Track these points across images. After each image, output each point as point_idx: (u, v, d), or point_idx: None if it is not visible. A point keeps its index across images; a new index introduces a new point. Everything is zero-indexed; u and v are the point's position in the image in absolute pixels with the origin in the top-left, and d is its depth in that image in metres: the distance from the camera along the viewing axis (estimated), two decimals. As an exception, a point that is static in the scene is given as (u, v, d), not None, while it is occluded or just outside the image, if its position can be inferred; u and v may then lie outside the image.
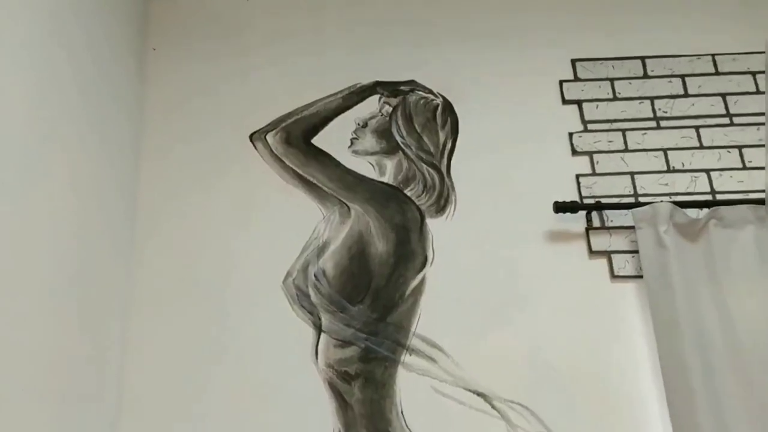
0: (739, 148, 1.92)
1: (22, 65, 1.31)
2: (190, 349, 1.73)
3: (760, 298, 1.68)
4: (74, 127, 1.53)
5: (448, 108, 1.99)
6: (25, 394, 1.27)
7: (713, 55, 2.03)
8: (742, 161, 1.90)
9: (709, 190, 1.87)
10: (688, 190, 1.87)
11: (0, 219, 1.19)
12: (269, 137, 1.94)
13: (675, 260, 1.70)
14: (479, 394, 1.68)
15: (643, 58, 2.04)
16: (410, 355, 1.72)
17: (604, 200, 1.85)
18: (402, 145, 1.93)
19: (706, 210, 1.78)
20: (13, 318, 1.23)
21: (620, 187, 1.88)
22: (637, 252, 1.76)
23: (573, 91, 2.00)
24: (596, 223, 1.84)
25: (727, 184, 1.87)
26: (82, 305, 1.53)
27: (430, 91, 2.00)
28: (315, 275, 1.79)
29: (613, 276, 1.79)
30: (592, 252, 1.81)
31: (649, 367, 1.68)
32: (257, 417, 1.67)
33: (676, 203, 1.78)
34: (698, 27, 2.08)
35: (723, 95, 1.98)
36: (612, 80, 2.01)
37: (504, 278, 1.80)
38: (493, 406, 1.67)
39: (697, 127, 1.94)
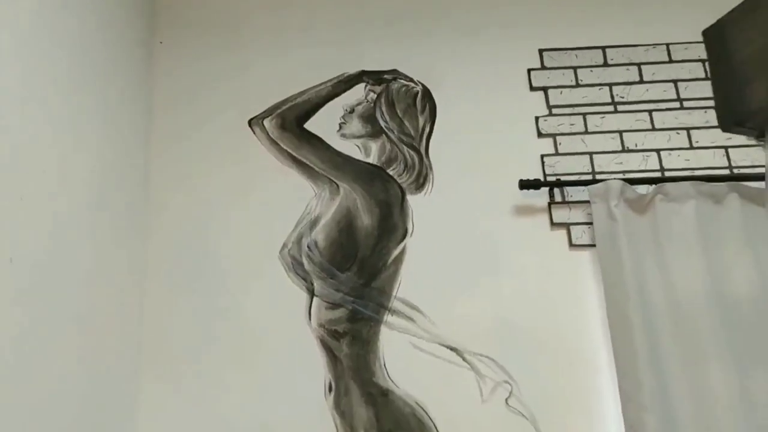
0: (687, 129, 2.14)
1: (41, 57, 1.52)
2: (201, 312, 1.97)
3: (697, 263, 1.91)
4: (90, 115, 1.74)
5: (427, 95, 2.20)
6: (67, 351, 1.51)
7: (667, 45, 2.24)
8: (690, 142, 2.12)
9: (658, 168, 2.10)
10: (640, 168, 2.09)
11: (28, 199, 1.42)
12: (266, 122, 2.16)
13: (623, 231, 1.93)
14: (452, 349, 1.92)
15: (603, 48, 2.24)
16: (392, 315, 1.96)
17: (564, 178, 2.07)
18: (385, 129, 2.15)
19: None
20: (52, 285, 1.46)
21: (580, 165, 2.10)
22: (592, 224, 1.99)
23: (539, 79, 2.22)
24: (557, 198, 2.07)
25: (675, 162, 2.10)
26: (106, 275, 1.76)
27: (411, 80, 2.21)
28: (308, 246, 2.02)
29: (571, 245, 2.03)
30: (553, 224, 2.05)
31: (599, 324, 1.92)
32: (258, 370, 1.92)
33: (628, 180, 2.01)
34: (655, 18, 2.28)
35: (675, 81, 2.19)
36: (575, 68, 2.22)
37: (475, 247, 2.03)
38: (464, 359, 1.92)
39: (650, 111, 2.16)
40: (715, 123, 1.17)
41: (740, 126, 0.90)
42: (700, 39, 2.18)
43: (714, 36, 0.97)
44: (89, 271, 1.67)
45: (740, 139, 2.06)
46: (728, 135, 2.07)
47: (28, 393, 1.33)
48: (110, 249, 1.81)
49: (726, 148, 2.12)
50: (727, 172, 2.09)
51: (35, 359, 1.37)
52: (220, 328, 1.95)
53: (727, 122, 0.92)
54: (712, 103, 2.17)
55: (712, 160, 2.11)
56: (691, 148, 2.12)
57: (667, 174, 2.08)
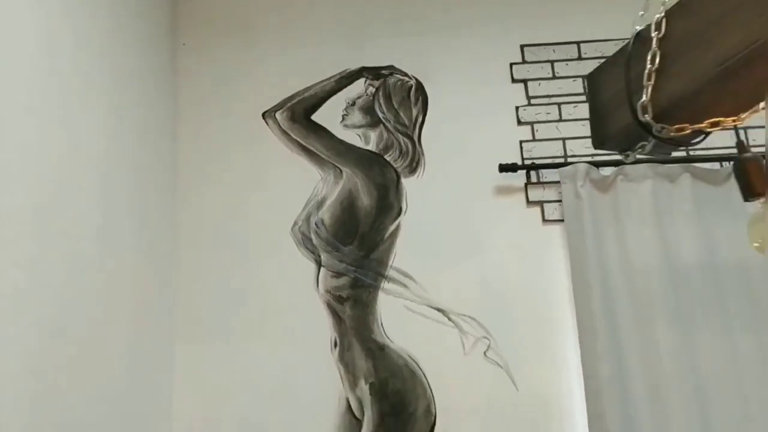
0: (650, 117, 2.40)
1: (79, 65, 1.84)
2: (225, 281, 2.31)
3: (651, 235, 2.21)
4: (123, 110, 2.06)
5: (420, 88, 2.49)
6: (119, 317, 1.86)
7: (635, 39, 2.49)
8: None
9: (623, 151, 2.37)
10: (606, 152, 2.37)
11: (83, 189, 1.75)
12: (278, 115, 2.47)
13: (588, 207, 2.23)
14: (439, 310, 2.26)
15: (578, 43, 2.50)
16: (388, 282, 2.29)
17: (539, 161, 2.37)
18: (383, 120, 2.45)
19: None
20: (106, 260, 1.80)
21: (554, 150, 2.39)
22: (561, 201, 2.29)
23: (520, 72, 2.49)
24: (533, 179, 2.36)
25: (637, 146, 2.37)
26: (145, 253, 2.10)
27: (406, 75, 2.50)
28: (315, 223, 2.35)
29: (544, 220, 2.33)
30: (529, 202, 2.35)
31: (565, 288, 2.23)
32: (275, 330, 2.27)
33: (596, 163, 2.30)
34: (624, 14, 2.53)
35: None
36: (552, 62, 2.49)
37: (460, 223, 2.34)
38: (449, 319, 2.25)
39: (617, 100, 2.43)
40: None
41: (603, 145, 1.20)
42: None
43: (591, 79, 1.26)
44: (132, 249, 2.01)
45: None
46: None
47: (92, 354, 1.69)
48: (147, 231, 2.15)
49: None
50: (683, 154, 2.36)
51: (96, 326, 1.72)
52: (242, 296, 2.30)
53: (596, 142, 1.22)
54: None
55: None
56: (653, 133, 2.39)
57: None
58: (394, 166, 2.40)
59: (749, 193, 1.34)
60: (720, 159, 2.33)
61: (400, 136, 2.43)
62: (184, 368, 2.25)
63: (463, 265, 2.31)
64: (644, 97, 1.00)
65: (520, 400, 2.18)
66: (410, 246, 2.32)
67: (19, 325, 1.36)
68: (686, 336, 2.12)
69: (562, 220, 2.29)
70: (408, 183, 2.38)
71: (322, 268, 2.31)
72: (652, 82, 0.99)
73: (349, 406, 2.20)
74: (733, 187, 2.26)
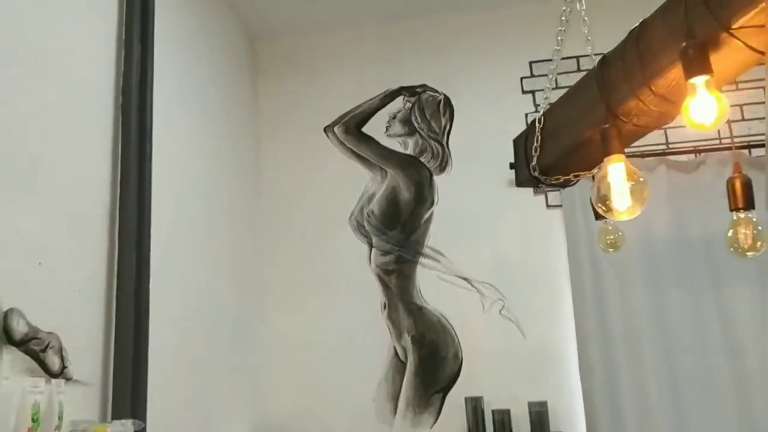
0: (636, 118, 2.94)
1: (181, 96, 2.56)
2: (300, 260, 3.04)
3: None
4: (219, 131, 2.78)
5: (448, 102, 3.10)
6: (226, 291, 2.60)
7: (625, 53, 3.02)
8: (637, 127, 2.93)
9: (612, 148, 2.93)
10: (598, 149, 2.93)
11: (196, 195, 2.48)
12: (335, 129, 3.14)
13: (579, 195, 2.81)
14: (464, 279, 2.91)
15: (577, 57, 3.05)
16: (424, 258, 2.95)
17: (543, 158, 2.95)
18: (418, 129, 3.08)
19: (605, 163, 2.86)
20: (217, 246, 2.54)
21: (555, 148, 2.97)
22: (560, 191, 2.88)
23: (529, 84, 3.07)
24: (539, 173, 2.96)
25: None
26: (241, 241, 2.84)
27: (436, 91, 3.11)
28: (367, 214, 3.02)
29: (548, 206, 2.93)
30: (535, 192, 2.95)
31: (563, 260, 2.83)
32: (338, 297, 2.98)
33: (589, 158, 2.87)
34: (617, 31, 3.05)
35: (629, 81, 2.99)
36: (555, 75, 3.05)
37: (480, 210, 2.97)
38: (472, 285, 2.90)
39: (609, 105, 2.98)
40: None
41: (521, 185, 1.81)
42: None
43: (514, 144, 1.87)
44: (233, 238, 2.75)
45: (678, 121, 2.88)
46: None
47: (210, 316, 2.44)
48: (240, 225, 2.88)
49: (664, 129, 2.92)
50: (663, 148, 2.90)
51: (213, 298, 2.47)
52: (313, 271, 3.02)
53: (516, 182, 1.84)
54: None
55: (654, 139, 2.91)
56: (638, 131, 2.93)
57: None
58: (428, 166, 3.04)
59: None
60: (692, 151, 2.85)
61: (432, 142, 3.06)
62: (272, 328, 3.00)
63: (483, 243, 2.94)
64: (534, 162, 1.62)
65: (527, 346, 2.82)
66: (441, 229, 2.98)
67: (174, 300, 2.10)
68: (658, 296, 2.70)
69: (561, 206, 2.88)
70: (438, 179, 3.02)
71: (373, 249, 3.00)
72: (537, 153, 1.61)
73: (396, 353, 2.89)
74: (701, 175, 2.82)
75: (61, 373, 1.50)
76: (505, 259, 2.91)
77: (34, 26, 1.57)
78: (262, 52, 3.31)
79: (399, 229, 2.99)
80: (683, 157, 2.88)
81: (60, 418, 1.34)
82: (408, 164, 3.05)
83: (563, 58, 3.03)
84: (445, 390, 2.83)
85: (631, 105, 1.40)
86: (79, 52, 1.76)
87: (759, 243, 1.55)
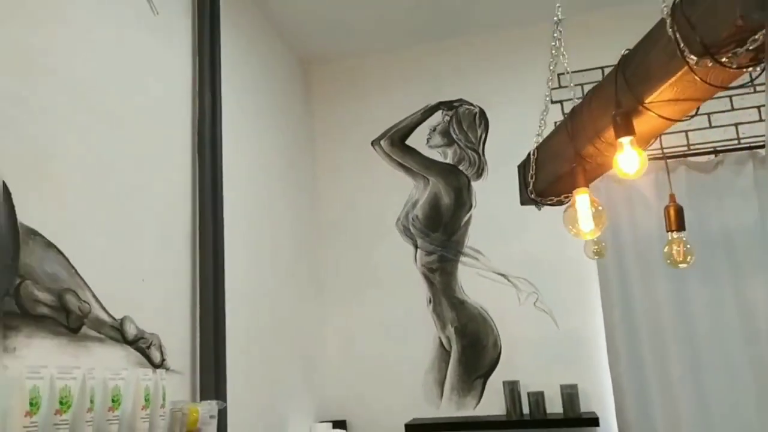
0: (658, 122, 3.18)
1: (246, 124, 2.94)
2: (355, 261, 3.40)
3: (654, 214, 3.02)
4: (280, 145, 3.17)
5: (483, 114, 3.40)
6: (287, 284, 2.99)
7: (647, 61, 3.25)
8: (659, 130, 3.17)
9: (636, 151, 3.18)
10: (623, 153, 3.18)
11: (266, 203, 2.87)
12: (382, 142, 3.48)
13: (605, 195, 3.07)
14: (501, 274, 3.21)
15: (602, 68, 3.30)
16: (464, 257, 3.27)
17: (572, 163, 3.22)
18: (456, 140, 3.40)
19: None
20: (284, 250, 2.93)
21: (583, 153, 3.23)
22: (587, 193, 3.14)
23: (557, 95, 3.33)
24: (568, 176, 3.23)
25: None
26: (303, 243, 3.22)
27: (472, 104, 3.42)
28: (412, 218, 3.36)
29: (577, 206, 3.20)
30: (538, 209, 3.21)
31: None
32: (389, 292, 3.33)
33: (614, 161, 3.12)
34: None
35: (651, 88, 3.22)
36: (582, 85, 3.31)
37: (514, 212, 3.23)
38: (508, 280, 3.20)
39: (632, 111, 3.22)
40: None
41: (524, 204, 2.10)
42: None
43: (519, 170, 2.15)
44: (293, 243, 3.14)
45: (699, 123, 3.12)
46: (687, 122, 3.12)
47: (278, 308, 2.82)
48: (300, 229, 3.26)
49: (686, 132, 3.15)
50: (685, 149, 3.12)
51: (280, 291, 2.86)
52: (364, 271, 3.38)
53: (521, 202, 2.12)
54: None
55: (676, 141, 3.15)
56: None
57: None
58: (466, 173, 3.35)
59: None
60: (711, 152, 3.07)
61: (469, 151, 3.37)
62: (330, 322, 3.38)
63: (518, 242, 3.24)
64: (531, 186, 1.92)
65: (560, 334, 3.11)
66: (479, 230, 3.29)
67: (245, 302, 2.49)
68: (679, 286, 2.94)
69: (589, 206, 3.15)
70: (476, 185, 3.33)
71: (418, 249, 3.33)
72: (533, 180, 1.91)
73: (441, 343, 3.23)
74: (719, 174, 3.04)
75: (162, 365, 1.91)
76: (538, 256, 3.20)
77: (126, 85, 1.97)
78: (313, 76, 3.68)
79: (441, 231, 3.32)
80: (703, 158, 3.09)
81: (164, 399, 1.73)
82: (448, 172, 3.37)
83: (587, 69, 3.32)
84: (486, 375, 3.15)
85: (590, 149, 1.69)
86: (162, 102, 2.16)
87: (689, 257, 1.86)
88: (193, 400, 2.06)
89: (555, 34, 2.07)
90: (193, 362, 2.11)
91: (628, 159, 1.44)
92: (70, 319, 1.57)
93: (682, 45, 1.24)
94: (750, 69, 1.23)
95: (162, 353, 1.93)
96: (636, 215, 3.06)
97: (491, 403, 3.11)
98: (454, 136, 3.41)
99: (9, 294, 1.40)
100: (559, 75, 3.36)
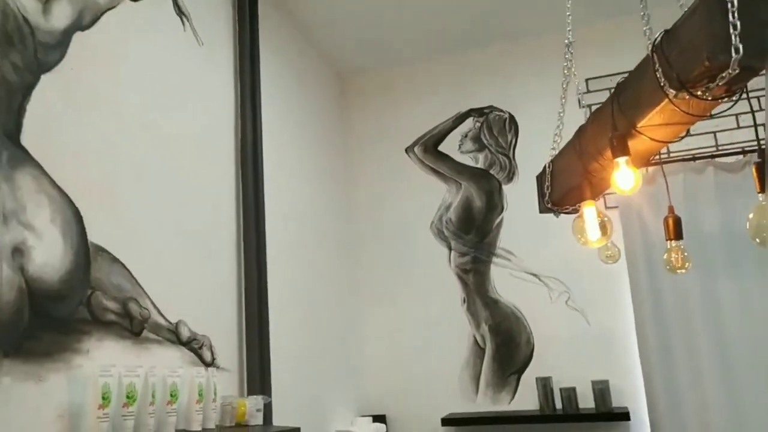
0: (684, 124, 3.26)
1: (286, 136, 3.14)
2: (391, 262, 3.58)
3: (683, 213, 3.11)
4: (317, 153, 3.36)
5: (512, 120, 3.53)
6: (328, 285, 3.18)
7: (673, 64, 3.33)
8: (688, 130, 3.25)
9: (666, 151, 3.26)
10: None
11: (289, 214, 3.06)
12: (416, 149, 3.65)
13: (634, 197, 3.17)
14: (533, 274, 3.34)
15: (628, 72, 3.39)
16: (497, 258, 3.41)
17: (600, 165, 3.32)
18: (487, 145, 3.54)
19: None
20: (326, 259, 3.12)
21: (610, 156, 3.34)
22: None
23: (586, 99, 3.43)
24: (596, 178, 3.34)
25: (676, 146, 3.25)
26: (341, 247, 3.41)
27: (502, 111, 3.55)
28: (445, 221, 3.52)
29: (606, 207, 3.30)
30: (556, 215, 3.33)
31: (622, 255, 3.21)
32: (425, 292, 3.49)
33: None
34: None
35: (677, 90, 3.31)
36: (609, 89, 3.40)
37: (545, 215, 3.38)
38: (540, 279, 3.33)
39: (659, 114, 3.31)
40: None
41: (543, 212, 2.23)
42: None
43: (537, 180, 2.28)
44: (331, 246, 3.33)
45: (727, 124, 3.20)
46: (716, 123, 3.20)
47: (321, 309, 3.02)
48: (338, 232, 3.45)
49: (714, 132, 3.23)
50: (713, 150, 3.20)
51: (322, 293, 3.06)
52: (401, 272, 3.55)
53: (540, 209, 2.25)
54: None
55: (703, 142, 3.23)
56: (688, 134, 3.25)
57: (672, 155, 3.25)
58: (497, 177, 3.49)
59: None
60: (740, 152, 3.14)
61: (500, 156, 3.51)
62: (369, 322, 3.57)
63: (548, 242, 3.36)
64: (547, 196, 2.06)
65: (591, 332, 3.23)
66: (511, 232, 3.43)
67: (287, 304, 2.69)
68: (707, 283, 3.02)
69: (618, 207, 3.26)
70: (507, 188, 3.47)
71: (452, 251, 3.49)
72: (548, 191, 2.05)
73: (475, 340, 3.38)
74: (746, 174, 3.12)
75: (213, 363, 2.12)
76: (569, 256, 3.31)
77: (177, 113, 2.19)
78: (349, 88, 3.87)
79: (474, 234, 3.47)
80: (730, 159, 3.17)
81: (215, 394, 1.93)
82: (479, 176, 3.51)
83: (614, 74, 3.42)
84: (520, 371, 3.29)
85: (594, 165, 1.81)
86: (209, 125, 2.37)
87: (686, 264, 1.97)
88: (241, 395, 2.27)
89: (566, 56, 2.16)
90: (240, 361, 2.31)
91: (623, 177, 1.57)
92: (133, 324, 1.79)
93: (662, 81, 1.37)
94: (725, 100, 1.35)
95: (213, 353, 2.14)
96: (664, 213, 3.14)
97: (525, 399, 3.25)
98: (485, 141, 3.55)
99: (82, 303, 1.62)
100: (587, 80, 3.50)
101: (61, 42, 1.74)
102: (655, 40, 1.46)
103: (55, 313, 1.53)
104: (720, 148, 3.22)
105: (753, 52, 1.22)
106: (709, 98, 1.35)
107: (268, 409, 2.25)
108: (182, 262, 2.08)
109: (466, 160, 3.57)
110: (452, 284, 3.46)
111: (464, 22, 3.43)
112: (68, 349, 1.55)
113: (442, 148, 3.61)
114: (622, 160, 1.57)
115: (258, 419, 2.13)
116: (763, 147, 1.91)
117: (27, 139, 1.55)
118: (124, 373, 1.59)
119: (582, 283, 3.28)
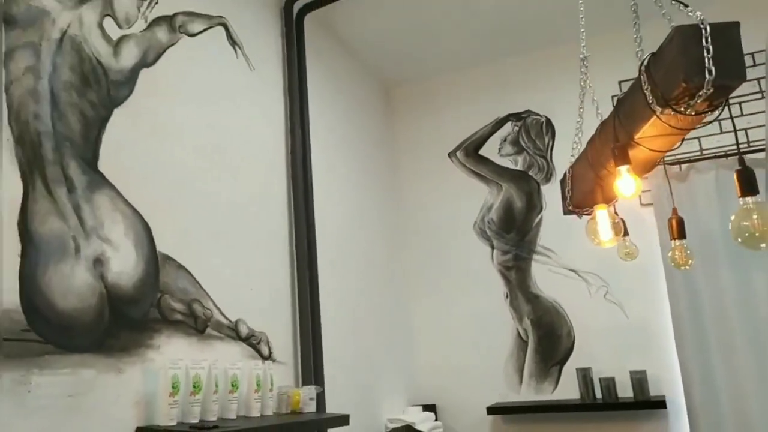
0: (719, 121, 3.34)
1: (334, 145, 3.37)
2: (437, 262, 3.78)
3: (714, 209, 3.20)
4: (364, 168, 3.59)
5: (549, 123, 3.68)
6: (380, 286, 3.41)
7: (705, 63, 3.42)
8: (720, 128, 3.34)
9: (698, 149, 3.36)
10: (683, 152, 3.37)
11: (338, 220, 3.30)
12: (458, 153, 3.84)
13: (667, 195, 3.28)
14: (572, 270, 3.49)
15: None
16: (537, 255, 3.57)
17: (635, 163, 3.44)
18: (525, 148, 3.69)
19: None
20: (379, 258, 3.35)
21: (646, 154, 3.45)
22: (650, 191, 3.36)
23: (619, 100, 3.55)
24: (632, 176, 3.45)
25: (709, 143, 3.35)
26: (390, 246, 3.63)
27: (539, 114, 3.70)
28: (487, 221, 3.69)
29: (641, 204, 3.42)
30: (579, 217, 3.45)
31: (657, 250, 3.32)
32: (470, 288, 3.68)
33: (677, 161, 3.32)
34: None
35: (710, 88, 3.39)
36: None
37: (583, 212, 3.52)
38: (578, 274, 3.47)
39: (692, 111, 3.40)
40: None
41: (566, 215, 2.38)
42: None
43: (560, 184, 2.43)
44: (379, 247, 3.55)
45: (758, 121, 3.28)
46: (748, 120, 3.28)
47: (370, 308, 3.25)
48: (385, 234, 3.68)
49: (746, 130, 3.31)
50: (744, 146, 3.28)
51: (373, 292, 3.28)
52: (446, 271, 3.75)
53: (564, 212, 2.40)
54: (732, 100, 3.32)
55: (731, 139, 3.30)
56: (721, 132, 3.34)
57: (705, 153, 3.34)
58: (536, 178, 3.64)
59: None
60: (772, 146, 3.21)
61: (538, 158, 3.66)
62: (418, 318, 3.78)
63: (586, 239, 3.49)
64: (568, 200, 2.22)
65: (629, 324, 3.35)
66: (550, 230, 3.58)
67: (338, 301, 2.92)
68: (740, 275, 3.11)
69: (653, 204, 3.37)
70: (545, 189, 3.62)
71: (494, 249, 3.66)
72: (570, 195, 2.21)
73: (518, 334, 3.55)
74: (779, 167, 3.17)
75: (269, 357, 2.37)
76: (606, 252, 3.42)
77: (233, 134, 2.45)
78: (394, 97, 4.09)
79: (515, 232, 3.63)
80: (760, 155, 3.24)
81: (271, 384, 2.18)
82: (519, 178, 3.67)
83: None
84: (562, 362, 3.44)
85: (603, 173, 1.97)
86: (262, 143, 2.63)
87: (690, 261, 2.10)
88: (296, 386, 2.51)
89: (582, 69, 2.32)
90: (295, 355, 2.56)
91: (625, 184, 1.73)
92: (197, 323, 2.05)
93: (650, 98, 1.53)
94: (708, 114, 1.51)
95: (269, 348, 2.40)
96: (698, 209, 3.25)
97: (567, 388, 3.40)
98: (524, 144, 3.71)
99: (153, 305, 1.89)
100: (620, 83, 3.61)
101: (130, 78, 2.01)
102: (644, 60, 1.62)
103: (131, 315, 1.80)
104: (751, 144, 3.29)
105: (726, 73, 1.38)
106: (693, 113, 1.50)
107: (321, 398, 2.49)
108: (240, 266, 2.33)
109: (506, 162, 3.73)
110: (495, 281, 3.64)
111: (499, 33, 3.60)
112: (142, 345, 1.82)
113: (482, 152, 3.79)
114: (623, 169, 1.73)
115: (311, 407, 2.36)
116: (743, 153, 2.02)
117: (103, 165, 1.82)
118: (190, 366, 1.85)
119: (619, 277, 3.40)
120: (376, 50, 3.65)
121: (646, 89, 1.56)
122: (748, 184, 1.57)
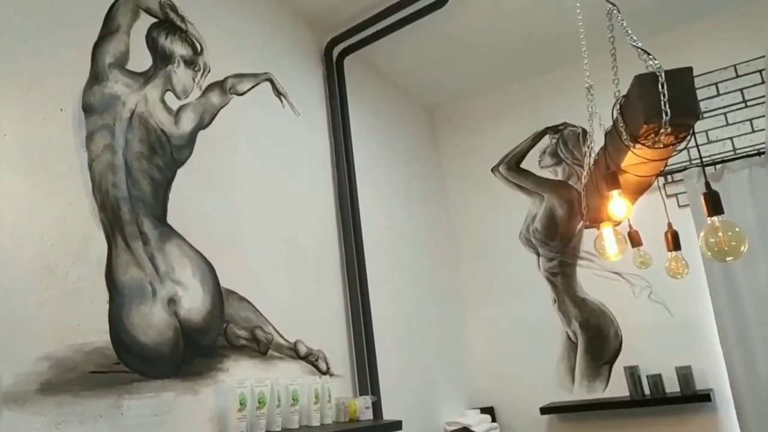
0: (750, 121, 3.44)
1: (382, 172, 3.65)
2: (485, 269, 4.01)
3: (749, 207, 3.30)
4: (412, 187, 3.85)
5: (585, 133, 3.85)
6: (431, 295, 3.67)
7: (735, 65, 3.52)
8: (752, 127, 3.43)
9: (731, 149, 3.47)
10: (719, 152, 3.48)
11: (387, 239, 3.57)
12: (500, 168, 4.05)
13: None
14: (616, 273, 3.65)
15: (735, 65, 3.60)
16: (581, 260, 3.75)
17: (670, 167, 3.57)
18: (564, 159, 3.88)
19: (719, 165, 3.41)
20: (428, 271, 3.62)
21: (682, 158, 3.57)
22: (686, 192, 3.49)
23: (652, 106, 3.69)
24: (669, 180, 3.58)
25: (742, 142, 3.45)
26: (442, 258, 3.89)
27: (575, 126, 3.88)
28: (532, 230, 3.90)
29: (679, 206, 3.55)
30: (668, 196, 3.58)
31: (697, 250, 3.44)
32: (519, 294, 3.89)
33: (712, 163, 3.44)
34: (721, 48, 3.56)
35: (741, 90, 3.49)
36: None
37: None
38: (622, 277, 3.63)
39: (725, 114, 3.51)
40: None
41: (588, 228, 2.57)
42: (756, 56, 3.47)
43: (577, 200, 2.63)
44: (430, 259, 3.81)
45: (792, 116, 3.36)
46: (780, 118, 3.38)
47: (426, 314, 3.52)
48: (435, 246, 3.93)
49: (777, 126, 3.39)
50: (777, 143, 3.36)
51: (428, 301, 3.55)
52: (496, 279, 3.97)
53: (584, 225, 2.59)
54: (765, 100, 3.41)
55: (763, 137, 3.40)
56: (753, 131, 3.44)
57: (738, 152, 3.44)
58: (575, 187, 3.82)
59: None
60: (805, 142, 3.29)
61: (576, 168, 3.83)
62: (471, 325, 4.02)
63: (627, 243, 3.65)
64: (584, 215, 2.43)
65: (673, 322, 3.49)
66: (592, 236, 3.73)
67: (391, 315, 3.20)
68: (780, 272, 3.22)
69: (689, 205, 3.49)
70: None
71: (540, 257, 3.86)
72: (585, 210, 2.41)
73: (568, 336, 3.73)
74: (811, 162, 3.27)
75: (327, 372, 2.68)
76: (649, 252, 3.59)
77: (285, 175, 2.77)
78: (437, 117, 4.36)
79: (558, 240, 3.82)
80: (796, 148, 3.32)
81: (329, 396, 2.48)
82: (560, 188, 3.86)
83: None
84: (611, 361, 3.61)
85: (605, 194, 2.17)
86: (311, 180, 2.95)
87: (685, 270, 2.25)
88: (354, 396, 2.81)
89: (588, 96, 2.51)
90: (352, 368, 2.86)
91: (617, 206, 1.94)
92: (260, 346, 2.37)
93: (623, 135, 1.74)
94: (678, 144, 1.71)
95: (327, 364, 2.70)
96: (733, 206, 3.36)
97: (617, 386, 3.56)
98: (562, 155, 3.89)
99: (221, 334, 2.22)
100: (652, 88, 3.75)
101: (189, 141, 2.35)
102: (618, 101, 1.83)
103: (202, 343, 2.14)
104: (784, 141, 3.37)
105: (680, 113, 1.58)
106: (661, 146, 1.70)
107: (377, 406, 2.78)
108: (296, 293, 2.65)
109: (547, 174, 3.93)
110: (543, 287, 3.83)
111: (533, 50, 3.80)
112: (213, 369, 2.15)
113: (523, 165, 3.99)
114: (614, 193, 1.94)
115: (368, 415, 2.65)
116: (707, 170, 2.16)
117: (171, 218, 2.17)
118: (255, 384, 2.17)
119: (662, 278, 3.51)
120: (416, 78, 3.92)
121: (621, 127, 1.77)
122: (714, 205, 1.74)
